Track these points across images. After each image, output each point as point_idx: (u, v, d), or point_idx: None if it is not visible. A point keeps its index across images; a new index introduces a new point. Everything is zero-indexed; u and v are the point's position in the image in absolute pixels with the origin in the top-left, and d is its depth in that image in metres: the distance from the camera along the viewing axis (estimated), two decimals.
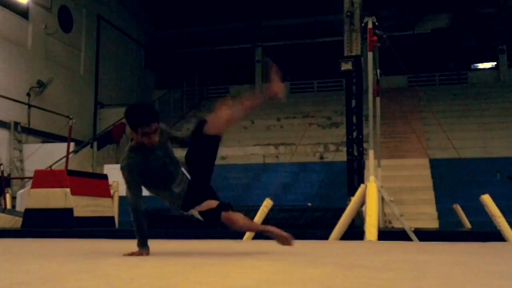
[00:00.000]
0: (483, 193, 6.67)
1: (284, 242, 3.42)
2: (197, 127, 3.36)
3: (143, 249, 3.25)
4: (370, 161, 6.98)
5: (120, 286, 1.90)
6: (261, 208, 6.79)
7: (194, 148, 3.42)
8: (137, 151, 3.23)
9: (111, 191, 9.30)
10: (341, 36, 10.62)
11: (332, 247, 4.72)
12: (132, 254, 3.21)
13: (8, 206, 11.13)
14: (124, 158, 3.25)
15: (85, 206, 8.11)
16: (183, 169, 3.36)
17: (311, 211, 7.65)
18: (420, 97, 16.03)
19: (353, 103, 10.25)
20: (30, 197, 8.35)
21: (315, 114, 15.16)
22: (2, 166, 11.96)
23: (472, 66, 20.83)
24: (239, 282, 2.01)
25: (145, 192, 3.29)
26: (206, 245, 3.57)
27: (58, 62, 15.87)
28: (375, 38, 7.35)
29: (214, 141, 3.39)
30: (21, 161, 13.80)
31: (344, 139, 10.60)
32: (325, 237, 6.40)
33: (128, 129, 3.36)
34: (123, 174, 3.25)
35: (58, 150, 12.81)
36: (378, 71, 8.60)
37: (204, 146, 3.38)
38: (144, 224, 3.27)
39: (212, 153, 3.42)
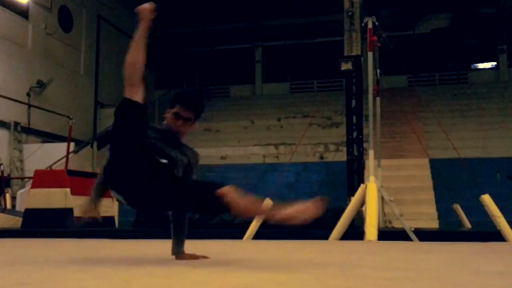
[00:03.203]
0: (483, 193, 6.68)
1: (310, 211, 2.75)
2: None
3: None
4: (370, 161, 6.99)
5: (120, 286, 1.90)
6: None
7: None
8: (160, 133, 2.94)
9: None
10: (341, 36, 10.61)
11: (332, 247, 4.72)
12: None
13: (8, 206, 11.13)
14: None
15: None
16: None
17: None
18: (420, 97, 16.02)
19: (353, 103, 10.25)
20: (30, 197, 8.35)
21: (315, 114, 15.16)
22: (2, 166, 11.97)
23: (472, 66, 20.79)
24: (239, 282, 2.01)
25: None
26: (206, 245, 3.57)
27: (58, 62, 15.86)
28: (375, 38, 7.36)
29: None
30: (21, 161, 13.79)
31: (344, 139, 10.59)
32: (325, 237, 6.41)
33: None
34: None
35: (58, 150, 12.79)
36: (378, 71, 8.60)
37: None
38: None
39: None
